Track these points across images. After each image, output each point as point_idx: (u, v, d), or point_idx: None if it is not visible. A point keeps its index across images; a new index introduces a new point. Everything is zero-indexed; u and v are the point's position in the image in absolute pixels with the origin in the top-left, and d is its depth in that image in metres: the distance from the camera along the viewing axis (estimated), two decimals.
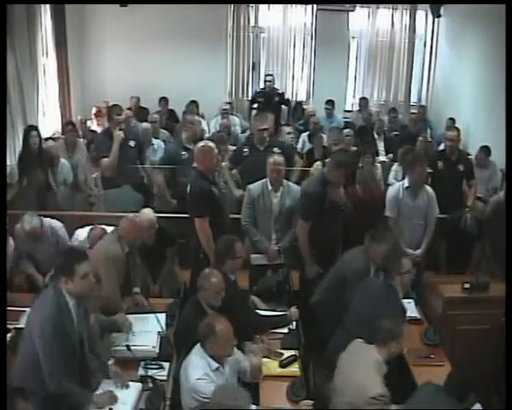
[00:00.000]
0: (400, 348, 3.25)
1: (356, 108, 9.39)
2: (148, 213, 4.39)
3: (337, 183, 4.55)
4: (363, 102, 9.08)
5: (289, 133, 6.44)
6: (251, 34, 9.63)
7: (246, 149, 5.36)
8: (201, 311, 3.48)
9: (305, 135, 7.35)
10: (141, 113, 8.21)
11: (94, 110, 8.01)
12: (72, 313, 3.01)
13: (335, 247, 4.65)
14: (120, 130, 5.46)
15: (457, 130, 5.73)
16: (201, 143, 4.69)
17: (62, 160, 6.03)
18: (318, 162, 5.85)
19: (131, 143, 5.47)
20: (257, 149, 5.28)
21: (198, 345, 3.17)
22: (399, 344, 3.21)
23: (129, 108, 7.80)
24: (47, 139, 6.24)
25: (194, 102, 8.09)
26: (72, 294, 3.00)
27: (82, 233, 4.55)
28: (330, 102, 8.54)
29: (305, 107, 8.82)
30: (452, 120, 7.57)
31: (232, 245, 3.91)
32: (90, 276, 3.04)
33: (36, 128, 5.83)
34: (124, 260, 3.97)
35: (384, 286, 3.63)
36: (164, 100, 8.37)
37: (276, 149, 5.25)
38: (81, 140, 6.73)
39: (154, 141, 6.68)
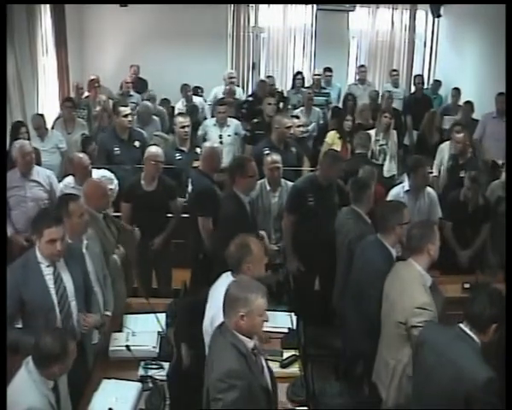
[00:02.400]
0: (437, 248, 3.19)
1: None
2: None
3: (327, 180, 4.54)
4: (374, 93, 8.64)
5: (299, 126, 6.00)
6: (251, 34, 9.65)
7: (267, 151, 4.98)
8: None
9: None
10: (140, 84, 8.32)
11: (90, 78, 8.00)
12: (44, 274, 3.02)
13: (322, 248, 4.48)
14: (128, 127, 5.51)
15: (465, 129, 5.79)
16: (208, 144, 4.70)
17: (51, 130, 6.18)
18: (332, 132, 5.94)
19: (136, 144, 5.48)
20: (277, 148, 5.13)
21: (227, 274, 3.09)
22: (436, 245, 3.17)
23: (127, 82, 8.01)
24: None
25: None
26: (42, 255, 3.03)
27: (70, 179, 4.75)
28: (329, 70, 8.49)
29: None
30: (457, 90, 7.68)
31: (244, 163, 4.11)
32: (58, 243, 3.00)
33: (24, 124, 5.84)
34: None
35: (374, 241, 3.62)
36: (165, 101, 8.35)
37: (293, 149, 5.32)
38: (80, 119, 6.75)
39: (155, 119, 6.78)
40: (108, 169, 4.96)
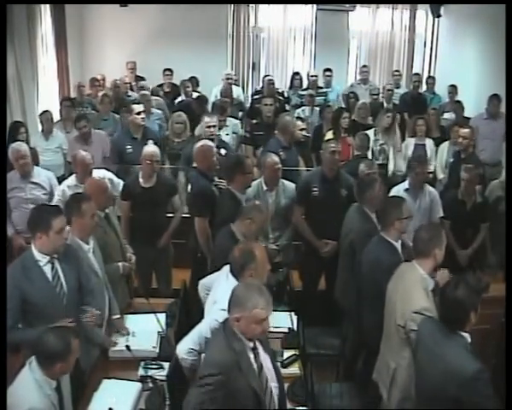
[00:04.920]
0: (443, 253, 3.17)
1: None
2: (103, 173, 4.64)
3: (331, 172, 4.62)
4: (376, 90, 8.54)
5: (302, 130, 6.03)
6: (251, 34, 9.65)
7: (281, 150, 5.14)
8: None
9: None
10: (137, 81, 8.33)
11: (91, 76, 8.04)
12: (45, 271, 3.05)
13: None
14: (141, 125, 5.54)
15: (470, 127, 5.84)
16: (200, 143, 4.72)
17: (55, 130, 6.19)
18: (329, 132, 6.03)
19: (149, 143, 5.42)
20: (288, 148, 5.25)
21: (226, 270, 3.13)
22: (442, 250, 3.16)
23: (126, 82, 7.98)
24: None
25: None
26: (48, 250, 3.04)
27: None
28: (329, 70, 8.48)
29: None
30: (454, 87, 7.75)
31: (242, 161, 4.22)
32: (64, 232, 3.07)
33: (23, 124, 5.85)
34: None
35: (377, 239, 3.66)
36: (168, 70, 8.39)
37: (293, 149, 5.38)
38: None
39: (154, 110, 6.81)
40: (110, 170, 4.98)
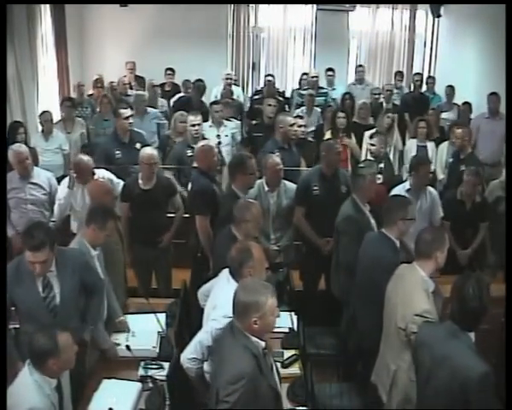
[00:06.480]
0: (445, 257, 3.16)
1: None
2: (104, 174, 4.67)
3: (330, 169, 4.65)
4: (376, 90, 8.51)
5: (300, 126, 5.99)
6: (251, 34, 9.65)
7: (277, 152, 5.11)
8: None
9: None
10: (137, 82, 8.36)
11: (94, 77, 7.96)
12: (36, 280, 3.05)
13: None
14: (128, 129, 5.48)
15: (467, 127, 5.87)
16: (201, 143, 4.76)
17: (55, 130, 6.17)
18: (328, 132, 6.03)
19: (137, 146, 5.33)
20: (284, 148, 5.27)
21: (226, 274, 3.15)
22: (444, 253, 3.14)
23: (125, 83, 7.95)
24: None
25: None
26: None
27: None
28: (331, 70, 8.51)
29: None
30: (451, 87, 7.77)
31: (244, 161, 4.21)
32: (37, 266, 3.02)
33: (22, 125, 5.85)
34: None
35: (378, 235, 3.70)
36: (170, 70, 8.43)
37: (293, 149, 5.39)
38: (79, 119, 6.76)
39: (150, 110, 6.70)
40: (109, 170, 4.97)
